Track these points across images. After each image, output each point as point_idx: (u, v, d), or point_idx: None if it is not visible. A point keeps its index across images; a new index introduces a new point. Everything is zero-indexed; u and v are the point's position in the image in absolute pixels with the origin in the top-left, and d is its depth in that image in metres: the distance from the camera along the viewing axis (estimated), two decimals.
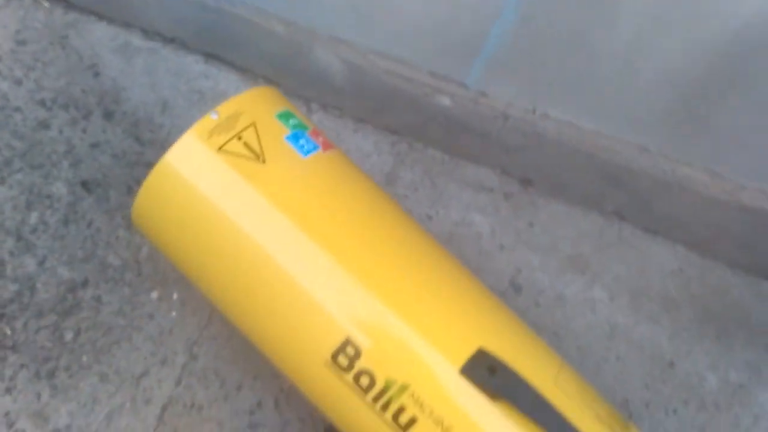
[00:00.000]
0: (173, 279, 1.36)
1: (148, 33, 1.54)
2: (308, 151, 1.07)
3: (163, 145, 1.44)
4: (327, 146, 1.11)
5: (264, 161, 1.04)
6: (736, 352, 1.54)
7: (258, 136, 1.05)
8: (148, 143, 1.45)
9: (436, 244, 1.12)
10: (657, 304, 1.55)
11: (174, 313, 1.34)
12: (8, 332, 1.26)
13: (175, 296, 1.35)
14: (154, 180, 1.07)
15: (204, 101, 1.49)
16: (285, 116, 1.10)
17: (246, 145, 1.04)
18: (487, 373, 0.97)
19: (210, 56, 1.54)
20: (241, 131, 1.05)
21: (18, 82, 1.44)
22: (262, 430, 1.28)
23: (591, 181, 1.51)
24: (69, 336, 1.28)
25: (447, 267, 1.10)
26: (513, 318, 1.09)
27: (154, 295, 1.34)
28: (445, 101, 1.41)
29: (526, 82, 1.35)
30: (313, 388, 1.05)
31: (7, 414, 1.21)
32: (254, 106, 1.08)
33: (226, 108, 1.06)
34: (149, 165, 1.43)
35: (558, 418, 0.95)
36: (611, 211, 1.58)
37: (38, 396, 1.23)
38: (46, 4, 1.52)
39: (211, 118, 1.05)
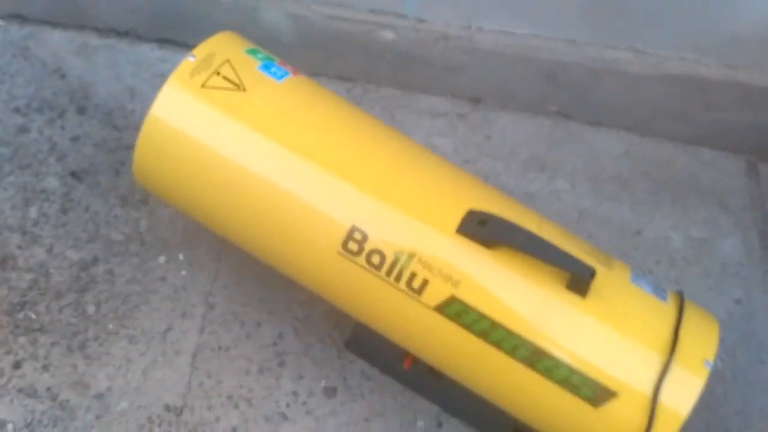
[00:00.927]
0: (176, 242, 1.45)
1: (101, 31, 1.64)
2: (281, 76, 1.19)
3: (138, 127, 1.54)
4: (296, 72, 1.23)
5: (245, 89, 1.16)
6: (691, 212, 1.71)
7: (234, 69, 1.16)
8: (124, 128, 1.55)
9: (408, 138, 1.24)
10: (613, 184, 1.71)
11: (183, 272, 1.43)
12: (33, 317, 1.34)
13: (181, 257, 1.44)
14: (148, 129, 1.17)
15: None
16: (252, 51, 1.22)
17: (225, 78, 1.16)
18: (479, 226, 1.10)
19: (163, 41, 1.65)
20: (218, 67, 1.16)
21: None
22: (288, 357, 1.39)
23: (532, 85, 1.66)
24: (91, 309, 1.37)
25: (424, 154, 1.22)
26: (489, 187, 1.22)
27: (162, 259, 1.44)
28: (389, 35, 1.55)
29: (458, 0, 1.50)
30: (331, 280, 1.17)
31: (48, 389, 1.29)
32: (224, 46, 1.20)
33: (199, 51, 1.18)
34: (129, 147, 1.52)
35: (550, 247, 1.08)
36: (556, 112, 1.74)
37: (75, 368, 1.31)
38: (1, 23, 1.60)
39: (189, 61, 1.16)
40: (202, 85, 1.15)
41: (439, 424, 1.37)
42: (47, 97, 1.55)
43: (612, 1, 1.48)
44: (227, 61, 1.17)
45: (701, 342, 1.10)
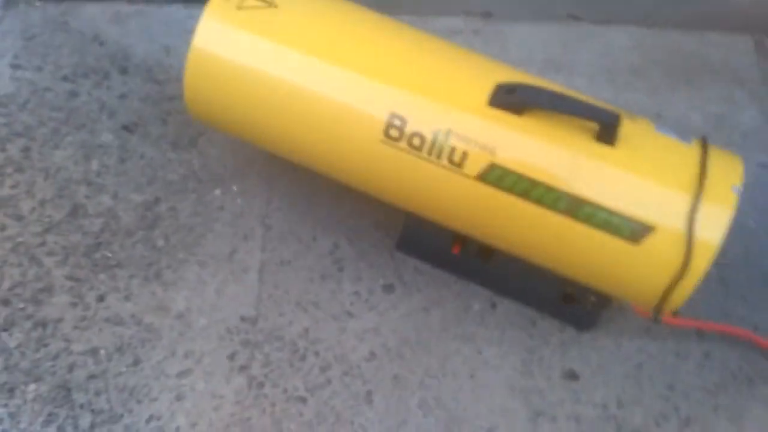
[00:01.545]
0: (228, 175, 1.56)
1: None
2: None
3: (179, 78, 1.65)
4: None
5: (276, 5, 1.26)
6: (707, 91, 1.79)
7: None
8: (165, 82, 1.66)
9: (429, 34, 1.34)
10: (628, 75, 1.79)
11: (239, 200, 1.54)
12: (109, 255, 1.46)
13: (234, 188, 1.55)
14: (195, 57, 1.28)
15: None
16: None
17: None
18: (508, 95, 1.19)
19: (187, 1, 1.77)
20: None
21: (39, 69, 1.64)
22: (345, 263, 1.49)
23: None
24: (160, 243, 1.48)
25: (445, 44, 1.32)
26: (509, 66, 1.31)
27: (218, 192, 1.55)
28: None
29: None
30: (378, 170, 1.27)
31: (133, 316, 1.40)
32: None
33: None
34: (172, 98, 1.65)
35: (576, 101, 1.17)
36: (565, 15, 1.82)
37: (153, 294, 1.43)
38: (38, 3, 1.73)
39: None
40: (238, 7, 1.25)
41: (493, 305, 1.47)
42: (90, 63, 1.67)
43: None
44: None
45: (727, 172, 1.18)
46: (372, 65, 1.24)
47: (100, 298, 1.41)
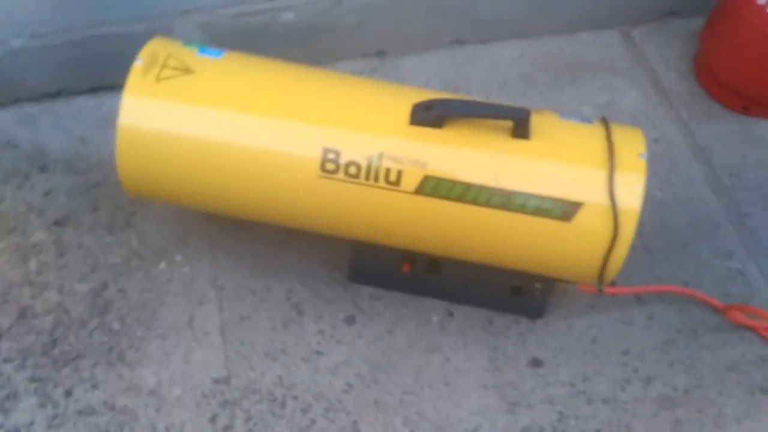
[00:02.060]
0: (170, 247, 1.59)
1: (36, 99, 1.77)
2: (219, 54, 1.37)
3: (100, 165, 1.68)
4: (229, 51, 1.41)
5: (193, 72, 1.32)
6: (589, 85, 1.97)
7: (179, 59, 1.33)
8: (87, 171, 1.68)
9: (340, 73, 1.44)
10: (519, 84, 1.94)
11: (186, 268, 1.56)
12: (68, 348, 1.44)
13: (179, 258, 1.58)
14: (123, 136, 1.31)
15: (111, 123, 1.71)
16: (188, 43, 1.39)
17: (174, 68, 1.31)
18: (427, 111, 1.29)
19: (94, 89, 1.79)
20: (165, 61, 1.32)
21: None
22: (304, 305, 1.53)
23: (424, 24, 1.89)
24: (116, 326, 1.48)
25: (357, 78, 1.43)
26: (419, 88, 1.42)
27: (163, 265, 1.56)
28: (290, 15, 1.74)
29: None
30: (320, 205, 1.33)
31: (104, 402, 1.39)
32: (162, 45, 1.36)
33: (144, 53, 1.33)
34: (98, 185, 1.67)
35: (487, 105, 1.29)
36: (451, 41, 1.97)
37: (120, 377, 1.42)
38: None
39: (138, 64, 1.32)
40: (156, 79, 1.31)
41: (450, 314, 1.54)
42: (8, 168, 1.66)
43: None
44: (170, 54, 1.33)
45: (631, 143, 1.32)
46: (297, 108, 1.32)
47: (68, 393, 1.39)
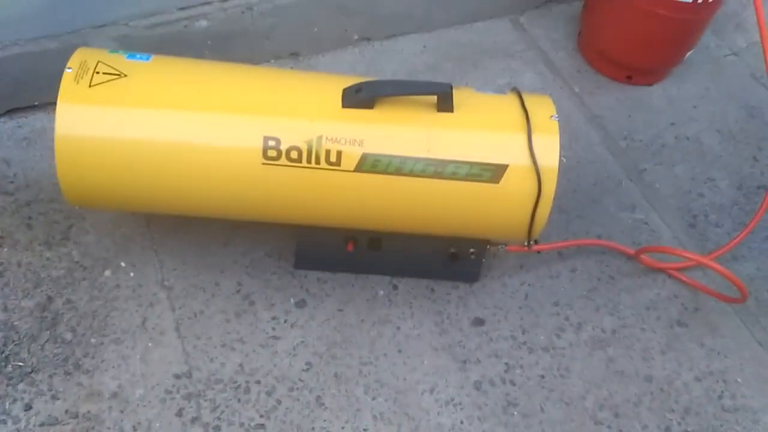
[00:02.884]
0: (112, 255, 1.60)
1: None
2: (148, 58, 1.40)
3: (28, 184, 1.67)
4: (155, 54, 1.45)
5: (126, 75, 1.35)
6: (490, 69, 2.12)
7: (108, 65, 1.35)
8: (15, 191, 1.66)
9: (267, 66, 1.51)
10: (427, 73, 2.07)
11: (132, 273, 1.58)
12: (21, 364, 1.43)
13: (122, 264, 1.59)
14: (60, 148, 1.32)
15: (33, 143, 1.74)
16: (114, 51, 1.42)
17: (106, 73, 1.34)
18: (357, 94, 1.38)
19: (11, 111, 1.77)
20: (95, 68, 1.34)
21: None
22: (254, 296, 1.58)
23: (332, 23, 1.98)
24: (68, 336, 1.48)
25: (285, 70, 1.50)
26: (343, 75, 1.51)
27: (108, 273, 1.57)
28: (203, 23, 1.80)
29: None
30: (266, 193, 1.39)
31: (67, 411, 1.39)
32: (90, 54, 1.38)
33: (72, 62, 1.35)
34: (29, 203, 1.65)
35: (413, 83, 1.40)
36: (358, 39, 2.07)
37: (80, 385, 1.42)
38: None
39: (68, 72, 1.33)
40: (90, 85, 1.33)
41: (395, 287, 1.64)
42: None
43: None
44: (99, 61, 1.36)
45: (543, 107, 1.45)
46: (233, 101, 1.38)
47: (27, 407, 1.38)
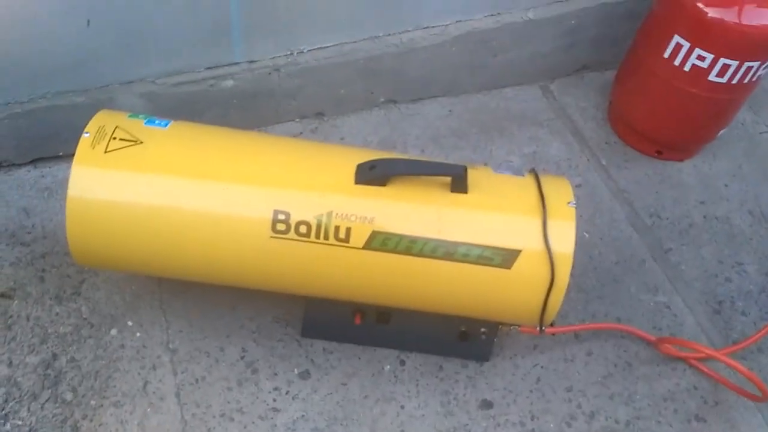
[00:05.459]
0: (120, 313, 1.59)
1: None
2: (165, 124, 1.41)
3: (45, 235, 1.68)
4: (174, 120, 1.45)
5: (142, 142, 1.36)
6: (516, 136, 2.09)
7: (126, 130, 1.37)
8: (32, 242, 1.67)
9: (282, 136, 1.50)
10: (451, 138, 2.05)
11: (138, 333, 1.57)
12: (20, 423, 1.42)
13: (130, 323, 1.58)
14: (73, 207, 1.33)
15: (54, 193, 1.76)
16: (134, 115, 1.44)
17: (122, 139, 1.35)
18: (370, 171, 1.36)
19: (36, 161, 1.80)
20: (113, 133, 1.35)
21: None
22: (258, 363, 1.56)
23: (358, 85, 1.98)
24: (69, 396, 1.47)
25: (302, 142, 1.49)
26: (360, 148, 1.50)
27: (114, 332, 1.57)
28: (229, 83, 1.81)
29: (276, 33, 1.78)
30: (273, 265, 1.38)
31: None
32: (109, 118, 1.40)
33: (91, 127, 1.37)
34: (44, 255, 1.66)
35: (427, 163, 1.37)
36: (384, 101, 2.06)
37: None
38: None
39: (86, 137, 1.35)
40: (105, 151, 1.34)
41: (402, 362, 1.60)
42: None
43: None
44: (117, 126, 1.37)
45: (561, 192, 1.42)
46: (246, 172, 1.37)
47: None
